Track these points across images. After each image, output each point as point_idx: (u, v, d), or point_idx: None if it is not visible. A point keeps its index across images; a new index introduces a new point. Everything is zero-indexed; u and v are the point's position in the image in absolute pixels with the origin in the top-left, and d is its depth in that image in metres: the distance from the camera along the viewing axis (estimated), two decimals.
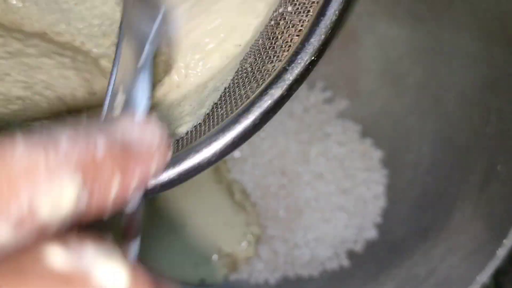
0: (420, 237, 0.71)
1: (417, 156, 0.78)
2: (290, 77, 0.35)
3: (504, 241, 0.58)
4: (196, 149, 0.34)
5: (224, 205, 0.80)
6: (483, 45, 0.71)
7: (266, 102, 0.34)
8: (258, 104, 0.34)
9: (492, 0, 0.65)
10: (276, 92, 0.34)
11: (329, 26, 0.35)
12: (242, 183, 0.80)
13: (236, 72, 0.41)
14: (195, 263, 0.77)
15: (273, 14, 0.41)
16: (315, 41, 0.35)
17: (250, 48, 0.42)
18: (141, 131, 0.27)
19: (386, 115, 0.82)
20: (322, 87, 0.86)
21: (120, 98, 0.35)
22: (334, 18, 0.35)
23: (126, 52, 0.37)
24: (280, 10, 0.40)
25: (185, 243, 0.77)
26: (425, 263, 0.67)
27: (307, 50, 0.35)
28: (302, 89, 0.85)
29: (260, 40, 0.41)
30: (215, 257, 0.77)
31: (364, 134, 0.83)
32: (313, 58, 0.35)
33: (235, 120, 0.34)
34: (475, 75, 0.72)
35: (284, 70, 0.35)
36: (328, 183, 0.79)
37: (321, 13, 0.36)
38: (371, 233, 0.77)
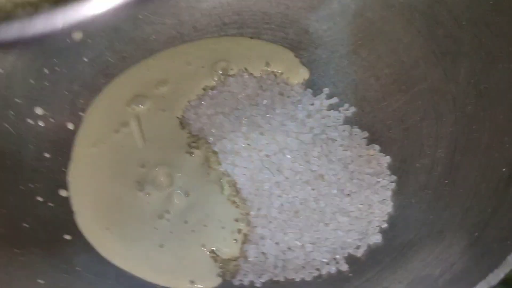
0: (434, 239, 0.61)
1: (432, 161, 0.70)
2: None
3: None
4: None
5: (212, 199, 0.71)
6: (506, 42, 0.66)
7: None
8: None
9: None
10: None
11: None
12: (232, 177, 0.71)
13: None
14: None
15: None
16: None
17: None
18: None
19: (397, 122, 0.76)
20: (328, 93, 0.81)
21: None
22: None
23: None
24: None
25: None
26: (440, 263, 0.57)
27: None
28: (307, 94, 0.80)
29: None
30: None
31: (372, 141, 0.75)
32: None
33: None
34: (500, 74, 0.66)
35: None
36: (330, 185, 0.70)
37: None
38: (376, 239, 0.67)
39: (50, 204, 0.69)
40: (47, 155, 0.73)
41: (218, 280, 0.66)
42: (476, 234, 0.58)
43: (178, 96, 0.80)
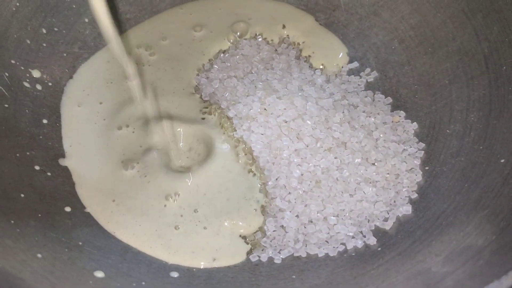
0: (472, 209, 0.56)
1: (464, 126, 0.64)
2: None
3: None
4: None
5: (228, 168, 0.65)
6: None
7: None
8: None
9: None
10: None
11: None
12: (249, 144, 0.65)
13: None
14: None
15: None
16: None
17: None
18: None
19: (424, 86, 0.70)
20: (347, 58, 0.74)
21: None
22: None
23: None
24: None
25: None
26: (482, 232, 0.51)
27: None
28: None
29: None
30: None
31: (397, 107, 0.70)
32: None
33: None
34: None
35: None
36: (354, 153, 0.64)
37: None
38: (405, 210, 0.61)
39: (48, 173, 0.63)
40: (45, 121, 0.67)
41: (242, 257, 0.60)
42: None
43: (187, 59, 0.74)
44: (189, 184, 0.64)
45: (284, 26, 0.77)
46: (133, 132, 0.68)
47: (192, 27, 0.77)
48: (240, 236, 0.62)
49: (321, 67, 0.74)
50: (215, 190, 0.63)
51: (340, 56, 0.76)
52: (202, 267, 0.60)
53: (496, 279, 0.41)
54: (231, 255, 0.61)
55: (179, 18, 0.78)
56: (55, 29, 0.72)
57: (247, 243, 0.61)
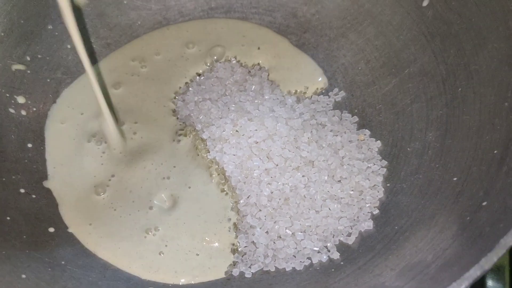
0: (426, 225, 0.60)
1: (422, 145, 0.69)
2: None
3: None
4: None
5: (202, 189, 0.69)
6: (495, 22, 0.65)
7: None
8: None
9: None
10: None
11: None
12: (221, 165, 0.69)
13: None
14: None
15: None
16: None
17: None
18: None
19: (388, 105, 0.74)
20: (326, 81, 0.80)
21: None
22: None
23: None
24: None
25: None
26: (432, 248, 0.56)
27: None
28: None
29: None
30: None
31: (363, 126, 0.74)
32: None
33: None
34: (490, 54, 0.64)
35: None
36: (321, 171, 0.68)
37: None
38: (367, 225, 0.65)
39: (33, 196, 0.67)
40: (29, 145, 0.71)
41: (219, 273, 0.65)
42: (468, 218, 0.56)
43: (164, 84, 0.78)
44: (170, 218, 0.68)
45: (259, 48, 0.80)
46: (103, 155, 0.72)
47: (182, 46, 0.81)
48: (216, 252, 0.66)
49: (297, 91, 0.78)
50: (195, 215, 0.67)
51: (319, 80, 0.79)
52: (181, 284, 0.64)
53: None
54: (211, 272, 0.65)
55: (165, 41, 0.82)
56: (39, 56, 0.76)
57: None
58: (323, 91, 0.78)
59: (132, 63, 0.79)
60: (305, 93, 0.78)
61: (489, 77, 0.64)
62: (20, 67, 0.72)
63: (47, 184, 0.69)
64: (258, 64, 0.80)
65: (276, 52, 0.80)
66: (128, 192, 0.69)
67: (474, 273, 0.45)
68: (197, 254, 0.65)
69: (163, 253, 0.65)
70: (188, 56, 0.80)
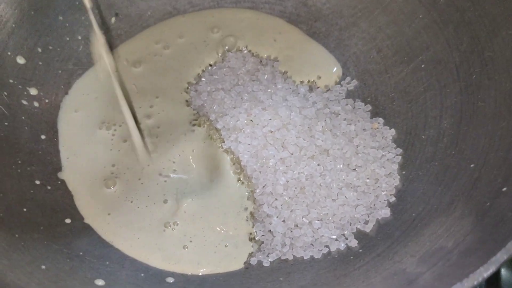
0: (444, 212, 0.60)
1: (437, 132, 0.69)
2: None
3: None
4: None
5: (219, 178, 0.69)
6: (509, 8, 0.65)
7: None
8: None
9: None
10: None
11: None
12: (236, 154, 0.69)
13: None
14: None
15: None
16: None
17: None
18: None
19: (401, 94, 0.74)
20: (340, 72, 0.80)
21: None
22: None
23: None
24: None
25: None
26: (453, 234, 0.56)
27: None
28: None
29: None
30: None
31: (376, 114, 0.74)
32: None
33: None
34: (503, 41, 0.64)
35: None
36: (336, 159, 0.68)
37: None
38: (384, 213, 0.65)
39: (48, 187, 0.67)
40: (43, 136, 0.71)
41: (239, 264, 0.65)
42: (488, 204, 0.56)
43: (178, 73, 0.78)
44: (186, 213, 0.67)
45: (275, 40, 0.80)
46: (119, 148, 0.72)
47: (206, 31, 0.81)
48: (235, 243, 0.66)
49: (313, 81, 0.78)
50: (213, 206, 0.68)
51: (334, 70, 0.79)
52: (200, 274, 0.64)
53: (459, 281, 0.45)
54: (231, 263, 0.65)
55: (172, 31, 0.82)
56: (50, 47, 0.76)
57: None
58: (339, 82, 0.77)
59: (150, 47, 0.80)
60: (316, 84, 0.77)
61: (503, 63, 0.64)
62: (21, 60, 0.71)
63: (61, 175, 0.69)
64: (270, 56, 0.79)
65: (289, 43, 0.80)
66: (140, 184, 0.68)
67: (501, 257, 0.45)
68: (216, 246, 0.65)
69: (187, 247, 0.65)
70: (199, 46, 0.80)
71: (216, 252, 0.64)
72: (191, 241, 0.65)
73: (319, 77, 0.78)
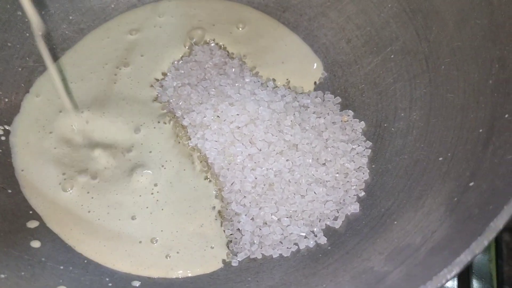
0: (413, 206, 0.59)
1: (407, 124, 0.68)
2: None
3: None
4: None
5: (185, 177, 0.67)
6: None
7: None
8: None
9: None
10: None
11: None
12: (203, 152, 0.68)
13: None
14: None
15: None
16: None
17: None
18: None
19: (370, 85, 0.73)
20: (321, 69, 0.78)
21: None
22: None
23: None
24: None
25: None
26: (421, 231, 0.55)
27: None
28: None
29: None
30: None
31: (346, 106, 0.73)
32: None
33: None
34: (472, 31, 0.63)
35: None
36: (305, 154, 0.67)
37: None
38: (354, 208, 0.64)
39: (9, 191, 0.65)
40: (2, 138, 0.68)
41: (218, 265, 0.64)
42: (456, 199, 0.55)
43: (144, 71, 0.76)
44: (153, 214, 0.66)
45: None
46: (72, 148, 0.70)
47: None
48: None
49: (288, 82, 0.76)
50: (180, 206, 0.66)
51: (314, 67, 0.77)
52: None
53: (423, 284, 0.44)
54: (206, 265, 0.64)
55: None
56: (9, 44, 0.73)
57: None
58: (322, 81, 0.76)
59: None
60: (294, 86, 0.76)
61: (472, 54, 0.63)
62: None
63: (19, 178, 0.67)
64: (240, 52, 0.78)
65: (260, 32, 0.78)
66: (104, 183, 0.67)
67: (465, 258, 0.44)
68: (185, 248, 0.63)
69: (155, 249, 0.63)
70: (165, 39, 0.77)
71: (178, 254, 0.63)
72: (158, 243, 0.63)
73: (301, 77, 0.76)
